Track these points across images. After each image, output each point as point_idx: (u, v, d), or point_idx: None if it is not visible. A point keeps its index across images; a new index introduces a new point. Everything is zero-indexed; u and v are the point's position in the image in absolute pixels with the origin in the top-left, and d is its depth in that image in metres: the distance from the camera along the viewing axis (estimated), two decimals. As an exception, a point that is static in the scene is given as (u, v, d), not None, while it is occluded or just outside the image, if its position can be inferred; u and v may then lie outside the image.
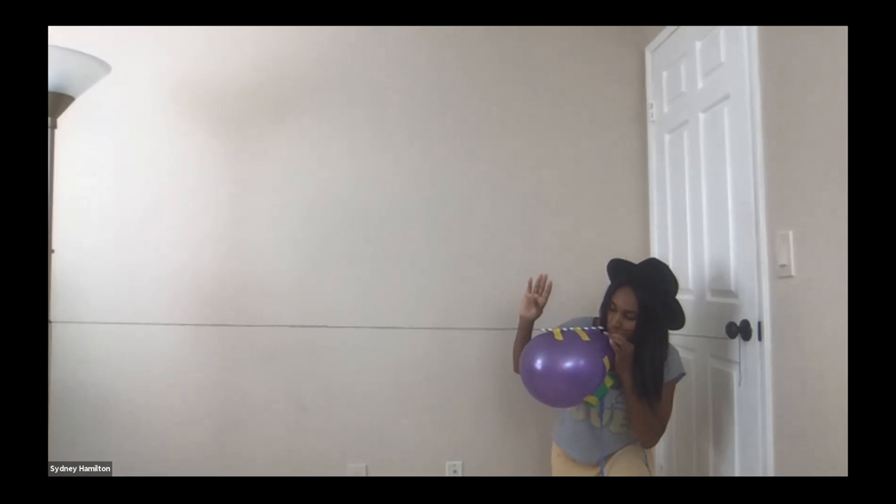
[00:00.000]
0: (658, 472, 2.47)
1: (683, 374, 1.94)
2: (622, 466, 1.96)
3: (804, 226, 1.67)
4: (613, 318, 1.88)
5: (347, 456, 2.55)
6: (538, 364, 1.86)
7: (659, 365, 1.85)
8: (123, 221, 2.50)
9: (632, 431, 1.92)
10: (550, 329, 1.92)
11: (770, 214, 1.82)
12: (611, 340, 1.82)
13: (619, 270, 1.95)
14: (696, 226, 2.25)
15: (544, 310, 2.07)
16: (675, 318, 1.89)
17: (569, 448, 2.03)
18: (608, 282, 1.98)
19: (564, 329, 1.90)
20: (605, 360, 1.83)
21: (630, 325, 1.85)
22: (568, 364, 1.82)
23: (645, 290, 1.84)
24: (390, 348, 2.56)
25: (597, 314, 2.01)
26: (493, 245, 2.62)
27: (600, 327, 1.90)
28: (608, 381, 1.85)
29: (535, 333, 2.05)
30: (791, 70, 1.73)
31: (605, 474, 1.97)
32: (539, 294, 2.06)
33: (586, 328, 1.89)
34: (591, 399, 1.88)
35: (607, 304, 1.92)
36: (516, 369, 2.13)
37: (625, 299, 1.85)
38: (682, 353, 2.35)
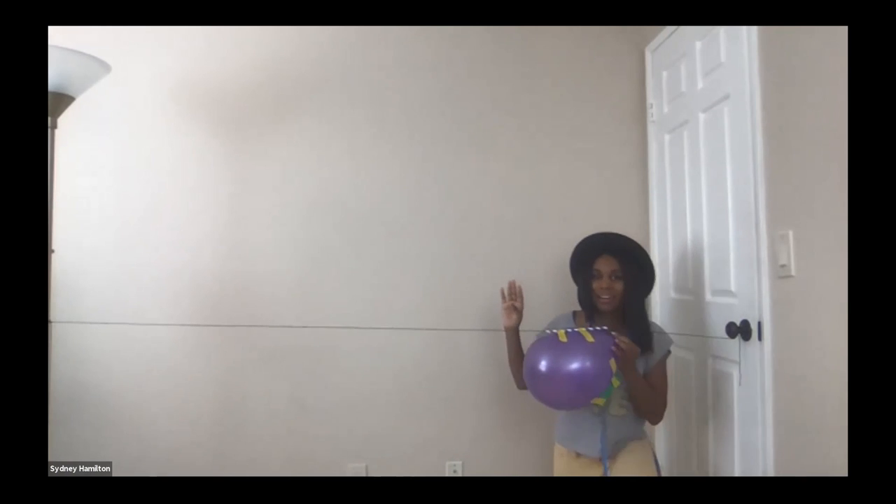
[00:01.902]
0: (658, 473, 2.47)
1: (672, 343, 2.05)
2: (631, 466, 1.97)
3: (804, 226, 1.67)
4: (602, 284, 1.97)
5: (347, 456, 2.55)
6: (542, 366, 1.85)
7: (647, 321, 2.00)
8: (123, 221, 2.50)
9: (633, 413, 1.96)
10: (555, 331, 1.93)
11: (770, 214, 1.82)
12: (616, 341, 1.83)
13: (591, 244, 2.05)
14: (696, 226, 2.25)
15: (526, 311, 2.14)
16: (649, 274, 2.02)
17: (570, 442, 2.04)
18: None
19: (568, 330, 1.90)
20: (612, 362, 1.83)
21: (619, 285, 1.96)
22: (574, 367, 1.81)
23: (622, 253, 1.98)
24: (391, 348, 2.55)
25: (573, 309, 2.10)
26: (493, 245, 2.62)
27: (604, 327, 1.90)
28: (615, 382, 1.86)
29: (525, 337, 2.11)
30: (791, 70, 1.73)
31: (613, 471, 1.97)
32: (514, 300, 2.13)
33: (591, 328, 1.89)
34: (599, 401, 1.88)
35: (589, 275, 2.00)
36: (519, 386, 2.15)
37: (607, 262, 1.97)
38: (682, 353, 2.36)
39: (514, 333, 2.13)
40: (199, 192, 2.54)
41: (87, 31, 2.17)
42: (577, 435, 2.01)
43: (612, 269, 1.97)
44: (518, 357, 2.15)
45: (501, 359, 2.22)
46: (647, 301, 2.06)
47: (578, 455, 2.04)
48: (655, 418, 2.01)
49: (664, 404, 1.99)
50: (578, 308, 2.11)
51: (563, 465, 2.10)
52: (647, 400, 1.94)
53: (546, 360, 1.85)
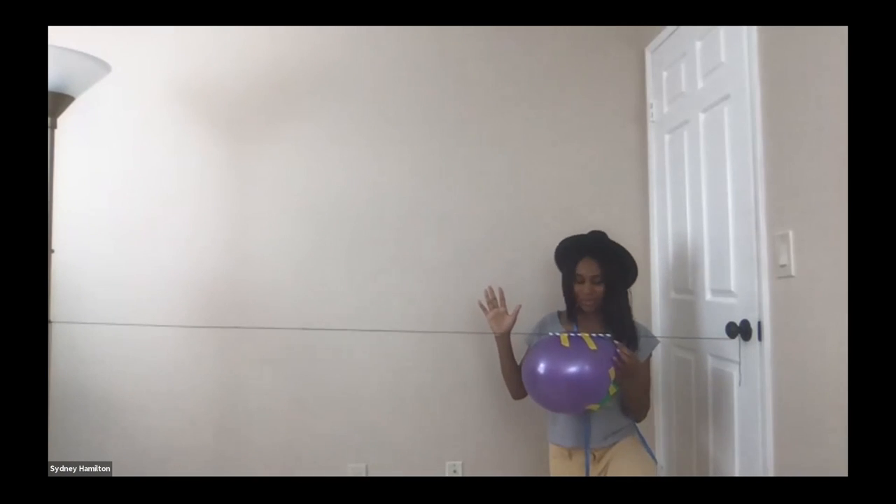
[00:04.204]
0: (658, 471, 2.48)
1: (657, 344, 2.16)
2: (628, 463, 1.99)
3: (804, 226, 1.67)
4: (584, 289, 2.02)
5: (347, 456, 2.55)
6: (542, 369, 1.88)
7: (629, 319, 2.05)
8: (123, 221, 2.50)
9: (619, 406, 2.02)
10: (558, 334, 1.94)
11: (770, 214, 1.82)
12: (618, 351, 1.86)
13: (573, 246, 2.11)
14: (696, 226, 2.25)
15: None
16: (631, 272, 2.08)
17: (561, 438, 2.08)
18: None
19: (571, 335, 1.92)
20: (612, 371, 1.85)
21: (600, 289, 2.02)
22: (574, 375, 1.85)
23: (602, 256, 2.03)
24: (391, 349, 2.55)
25: (560, 309, 2.15)
26: (494, 246, 2.62)
27: (608, 335, 1.91)
28: (612, 390, 1.89)
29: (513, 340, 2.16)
30: (791, 70, 1.73)
31: (612, 471, 1.99)
32: (496, 307, 2.16)
33: (594, 335, 1.90)
34: (594, 406, 1.92)
35: (572, 278, 2.05)
36: (515, 396, 2.17)
37: (589, 267, 2.02)
38: (682, 353, 2.36)
39: (506, 340, 2.14)
40: (199, 191, 2.55)
41: (87, 31, 2.17)
42: (566, 430, 2.06)
43: (594, 274, 2.01)
44: (512, 366, 2.14)
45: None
46: (630, 296, 2.10)
47: (572, 454, 2.05)
48: (641, 416, 2.08)
49: (649, 403, 2.09)
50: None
51: (559, 465, 2.11)
52: (636, 398, 2.02)
53: (547, 364, 1.87)
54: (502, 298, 2.18)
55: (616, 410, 2.02)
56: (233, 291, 2.53)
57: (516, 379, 2.12)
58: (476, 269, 2.60)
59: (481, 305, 2.18)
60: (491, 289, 2.19)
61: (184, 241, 2.52)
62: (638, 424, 2.11)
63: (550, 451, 2.14)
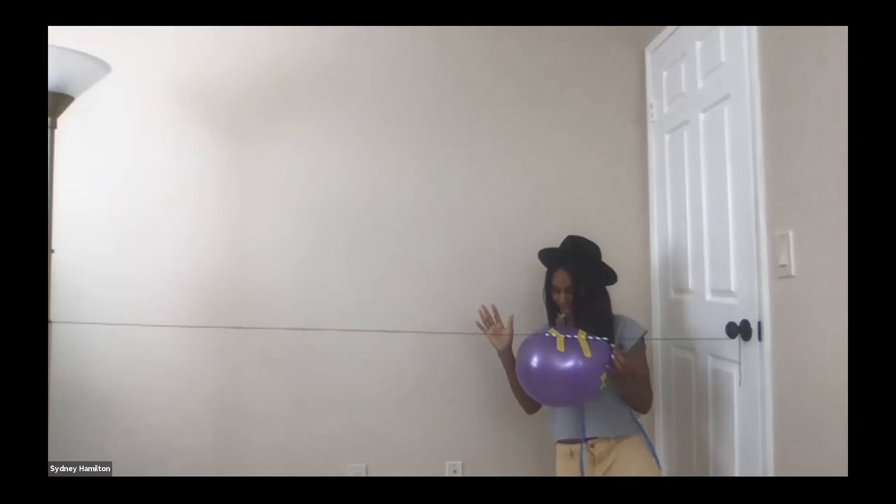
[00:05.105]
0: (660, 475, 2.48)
1: (646, 331, 2.13)
2: (630, 463, 1.99)
3: (804, 226, 1.67)
4: (560, 298, 2.10)
5: (347, 456, 2.55)
6: (535, 365, 1.90)
7: (607, 316, 2.10)
8: (123, 221, 2.50)
9: (614, 389, 2.01)
10: (554, 335, 1.94)
11: (770, 214, 1.82)
12: (613, 358, 1.87)
13: (549, 258, 2.19)
14: (696, 226, 2.25)
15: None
16: (608, 276, 2.14)
17: (560, 432, 2.09)
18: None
19: (567, 337, 1.91)
20: (603, 377, 1.88)
21: (572, 296, 2.09)
22: (567, 381, 1.87)
23: (574, 265, 2.09)
24: (391, 349, 2.55)
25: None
26: (494, 247, 2.62)
27: (605, 338, 1.91)
28: (603, 386, 1.91)
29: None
30: (791, 70, 1.73)
31: (614, 470, 2.00)
32: (493, 324, 2.21)
33: (590, 338, 1.90)
34: None
35: (550, 289, 2.14)
36: (528, 411, 2.20)
37: (562, 279, 2.10)
38: (682, 353, 2.36)
39: (509, 355, 2.15)
40: (199, 191, 2.54)
41: (87, 31, 2.17)
42: (565, 421, 2.07)
43: (567, 286, 2.09)
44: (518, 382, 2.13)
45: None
46: (608, 293, 2.15)
47: (574, 454, 2.05)
48: (644, 408, 2.08)
49: (650, 393, 2.11)
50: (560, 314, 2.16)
51: (564, 465, 2.11)
52: (634, 393, 2.03)
53: (539, 359, 1.89)
54: (496, 314, 2.21)
55: (616, 398, 2.02)
56: (233, 291, 2.53)
57: (524, 396, 2.13)
58: (476, 268, 2.60)
59: (479, 325, 2.23)
60: (484, 307, 2.22)
61: (184, 241, 2.52)
62: (644, 425, 2.10)
63: (558, 451, 2.15)
